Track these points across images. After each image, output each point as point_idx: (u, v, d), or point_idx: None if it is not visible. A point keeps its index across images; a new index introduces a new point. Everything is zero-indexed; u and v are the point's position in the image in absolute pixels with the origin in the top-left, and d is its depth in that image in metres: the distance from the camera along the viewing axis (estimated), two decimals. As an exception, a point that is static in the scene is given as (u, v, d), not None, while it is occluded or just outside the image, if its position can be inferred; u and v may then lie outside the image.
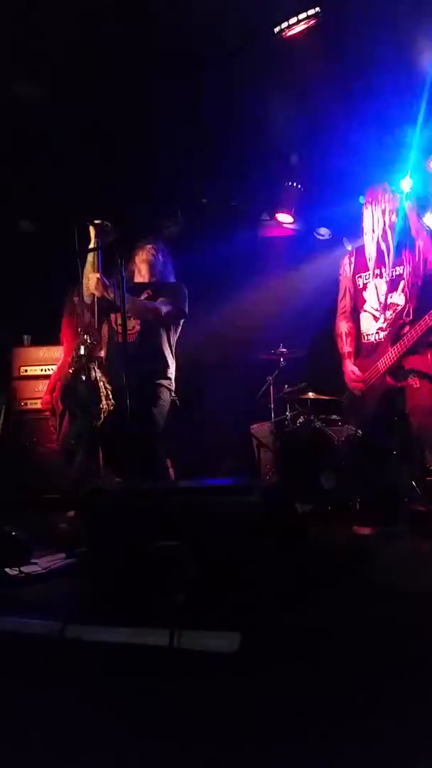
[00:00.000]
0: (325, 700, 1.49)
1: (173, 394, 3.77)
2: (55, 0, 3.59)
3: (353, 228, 3.84)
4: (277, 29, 3.78)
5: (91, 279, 3.51)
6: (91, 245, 3.49)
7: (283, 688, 1.56)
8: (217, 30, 3.93)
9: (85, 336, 3.42)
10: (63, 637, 1.88)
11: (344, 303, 3.79)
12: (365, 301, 3.68)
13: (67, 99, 4.26)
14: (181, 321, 3.85)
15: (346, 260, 3.81)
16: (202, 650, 1.74)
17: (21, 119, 4.28)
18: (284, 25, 3.76)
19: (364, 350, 3.70)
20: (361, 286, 3.71)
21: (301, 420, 4.88)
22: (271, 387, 5.31)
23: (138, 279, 3.91)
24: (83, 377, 3.31)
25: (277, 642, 1.82)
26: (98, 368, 3.38)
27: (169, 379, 3.77)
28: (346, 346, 3.73)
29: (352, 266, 3.75)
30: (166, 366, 3.76)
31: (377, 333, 3.63)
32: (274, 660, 1.72)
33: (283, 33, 3.80)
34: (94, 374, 3.32)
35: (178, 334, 3.87)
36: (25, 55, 3.93)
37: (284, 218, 5.72)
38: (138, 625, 1.85)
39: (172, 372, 3.79)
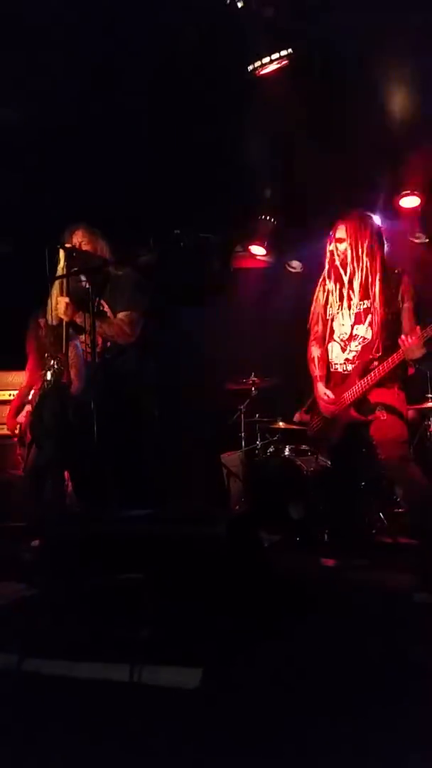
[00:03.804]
0: (289, 736, 1.46)
1: (153, 406, 3.62)
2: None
3: (325, 262, 3.88)
4: (250, 67, 3.89)
5: (60, 303, 3.46)
6: (60, 268, 3.44)
7: (246, 725, 1.53)
8: (191, 65, 4.02)
9: (52, 361, 3.37)
10: (20, 670, 1.83)
11: (317, 328, 3.83)
12: (334, 331, 3.72)
13: (40, 120, 4.29)
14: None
15: (319, 287, 3.84)
16: (163, 686, 1.70)
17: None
18: (257, 63, 3.87)
19: (332, 379, 3.73)
20: (330, 316, 3.75)
21: (271, 449, 4.88)
22: (242, 416, 5.32)
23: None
24: (49, 403, 3.26)
25: (240, 677, 1.80)
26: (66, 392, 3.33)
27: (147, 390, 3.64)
28: (317, 370, 3.76)
29: (325, 294, 3.79)
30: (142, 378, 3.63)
31: (345, 364, 3.65)
32: (236, 695, 1.69)
33: (257, 71, 3.92)
34: (60, 400, 3.28)
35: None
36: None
37: (257, 250, 5.81)
38: (98, 660, 1.81)
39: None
